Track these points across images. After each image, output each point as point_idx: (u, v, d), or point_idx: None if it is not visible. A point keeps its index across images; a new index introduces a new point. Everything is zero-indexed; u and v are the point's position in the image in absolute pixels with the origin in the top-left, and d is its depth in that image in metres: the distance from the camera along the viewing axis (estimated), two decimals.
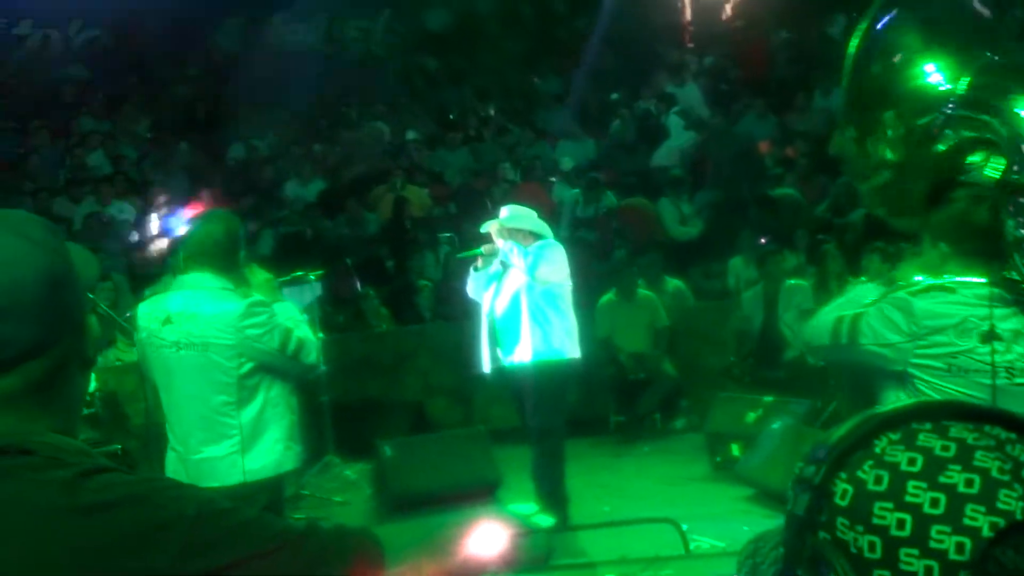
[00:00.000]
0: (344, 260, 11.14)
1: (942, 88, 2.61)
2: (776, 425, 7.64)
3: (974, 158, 2.54)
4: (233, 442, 4.34)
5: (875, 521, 0.94)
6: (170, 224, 11.34)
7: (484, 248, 6.99)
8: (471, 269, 7.15)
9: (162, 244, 11.27)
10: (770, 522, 1.11)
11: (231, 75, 16.69)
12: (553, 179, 13.86)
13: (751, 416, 8.17)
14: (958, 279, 2.70)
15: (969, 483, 0.93)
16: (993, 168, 2.49)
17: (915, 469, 0.95)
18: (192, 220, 4.56)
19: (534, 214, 7.09)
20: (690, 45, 17.65)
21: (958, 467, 0.94)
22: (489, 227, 6.97)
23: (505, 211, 7.09)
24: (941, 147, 2.59)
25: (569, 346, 6.80)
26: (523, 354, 6.75)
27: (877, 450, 0.98)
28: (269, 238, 12.21)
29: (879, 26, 2.73)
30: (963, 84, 2.56)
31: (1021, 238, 2.45)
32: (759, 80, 15.73)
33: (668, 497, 7.56)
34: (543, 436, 6.88)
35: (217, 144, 15.22)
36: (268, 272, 4.77)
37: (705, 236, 12.35)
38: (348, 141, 15.30)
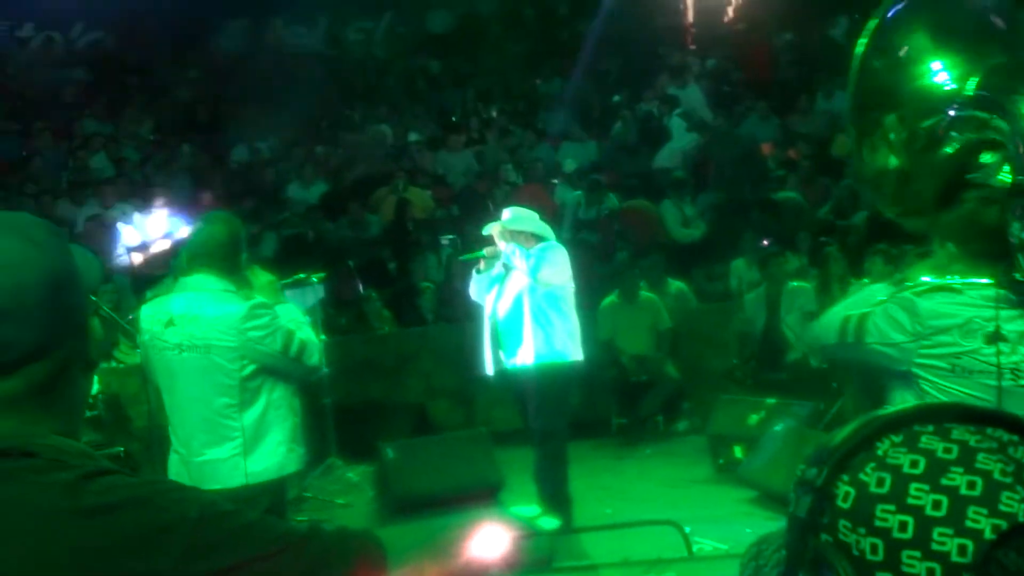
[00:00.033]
0: (346, 262, 11.14)
1: (948, 88, 2.60)
2: (778, 427, 7.64)
3: (986, 158, 2.53)
4: (235, 444, 4.35)
5: (877, 523, 0.94)
6: (173, 226, 11.34)
7: (486, 250, 6.99)
8: (473, 271, 7.15)
9: (163, 246, 11.27)
10: (773, 524, 1.11)
11: (233, 77, 16.68)
12: (555, 181, 13.86)
13: (753, 418, 8.17)
14: (965, 280, 2.69)
15: (971, 485, 0.93)
16: (1006, 172, 2.48)
17: (917, 471, 0.95)
18: (194, 222, 4.55)
19: (536, 216, 7.09)
20: (692, 47, 17.65)
21: (960, 469, 0.94)
22: (491, 229, 6.97)
23: (507, 213, 7.08)
24: (948, 149, 2.58)
25: (571, 348, 6.80)
26: (525, 356, 6.75)
27: (879, 452, 0.98)
28: (272, 240, 12.21)
29: (887, 25, 2.71)
30: (971, 84, 2.54)
31: None
32: (761, 82, 15.73)
33: (670, 499, 7.56)
34: (546, 438, 6.88)
35: (219, 146, 15.23)
36: (270, 274, 4.77)
37: (707, 238, 12.36)
38: (350, 143, 15.31)
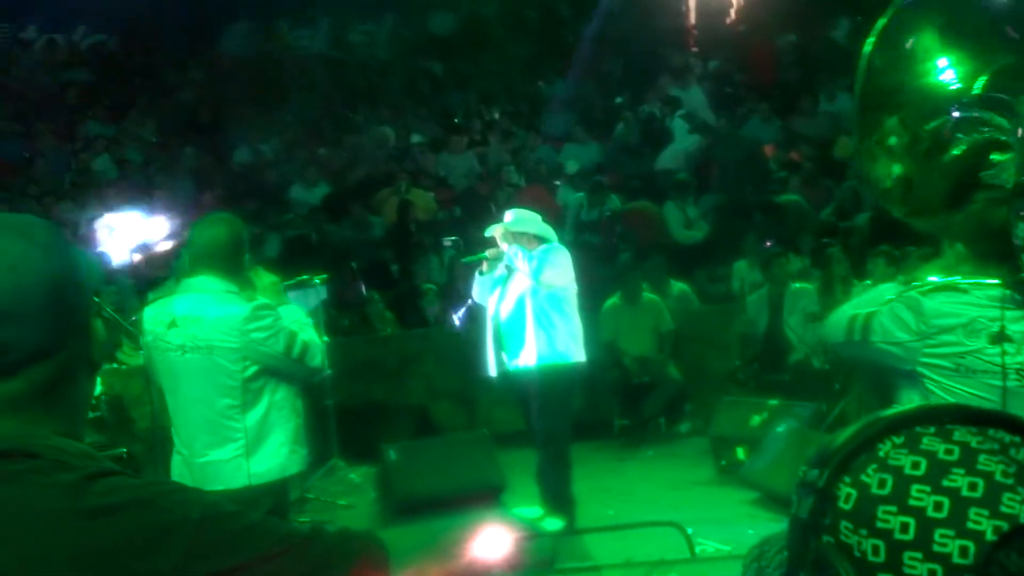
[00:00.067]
0: (349, 264, 11.15)
1: (953, 88, 2.58)
2: (781, 429, 7.63)
3: (996, 158, 2.51)
4: (238, 445, 4.34)
5: (879, 525, 0.94)
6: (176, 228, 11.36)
7: (489, 252, 6.99)
8: (476, 273, 7.15)
9: (167, 247, 11.29)
10: (775, 526, 1.11)
11: (236, 79, 16.72)
12: (557, 183, 13.87)
13: (756, 420, 8.17)
14: (971, 280, 2.69)
15: (973, 487, 0.93)
16: (1013, 172, 2.47)
17: (919, 473, 0.95)
18: (197, 224, 4.54)
19: (538, 218, 7.09)
20: (694, 49, 17.65)
21: (962, 471, 0.94)
22: (493, 231, 6.97)
23: (509, 215, 7.08)
24: (956, 151, 2.57)
25: (574, 350, 6.80)
26: (528, 358, 6.75)
27: (881, 454, 0.98)
28: (276, 241, 12.22)
29: (896, 22, 2.69)
30: (979, 84, 2.53)
31: None
32: (764, 84, 15.73)
33: (673, 501, 7.56)
34: (548, 440, 6.88)
35: (222, 148, 15.25)
36: (273, 275, 4.77)
37: (710, 240, 12.35)
38: (353, 145, 15.32)
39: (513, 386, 7.15)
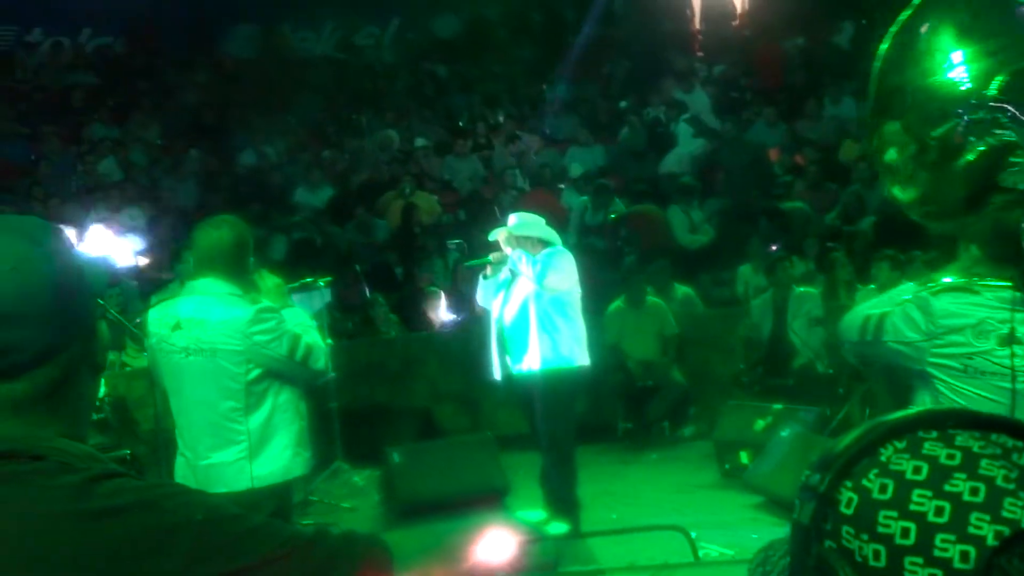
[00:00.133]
0: (353, 266, 11.16)
1: (964, 87, 2.54)
2: (785, 433, 7.63)
3: (1015, 159, 2.47)
4: (241, 448, 4.35)
5: (880, 529, 0.94)
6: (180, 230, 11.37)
7: (493, 256, 6.99)
8: (480, 277, 7.16)
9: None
10: (779, 530, 1.11)
11: (241, 82, 16.74)
12: (562, 186, 13.87)
13: (760, 424, 8.16)
14: (983, 281, 2.68)
15: (974, 491, 0.92)
16: None
17: (920, 477, 0.95)
18: (201, 226, 4.54)
19: (542, 221, 7.09)
20: (699, 53, 17.65)
21: (963, 475, 0.94)
22: (497, 235, 6.98)
23: (513, 218, 7.08)
24: (970, 156, 2.52)
25: (578, 353, 6.80)
26: (532, 362, 6.75)
27: (883, 458, 0.98)
28: (282, 244, 12.23)
29: (915, 14, 2.62)
30: (995, 84, 2.47)
31: None
32: (769, 88, 15.73)
33: (676, 504, 7.55)
34: (553, 444, 6.88)
35: (227, 151, 15.26)
36: (278, 278, 4.77)
37: (714, 243, 12.34)
38: (357, 148, 15.34)
39: (517, 390, 7.15)
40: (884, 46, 2.66)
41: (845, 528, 0.97)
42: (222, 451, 4.36)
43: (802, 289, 9.70)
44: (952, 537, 0.91)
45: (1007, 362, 2.58)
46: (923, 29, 2.59)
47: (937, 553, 0.91)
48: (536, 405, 6.88)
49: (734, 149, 13.55)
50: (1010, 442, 0.97)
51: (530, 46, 18.02)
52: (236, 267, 4.41)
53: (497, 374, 7.04)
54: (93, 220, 12.29)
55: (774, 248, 11.00)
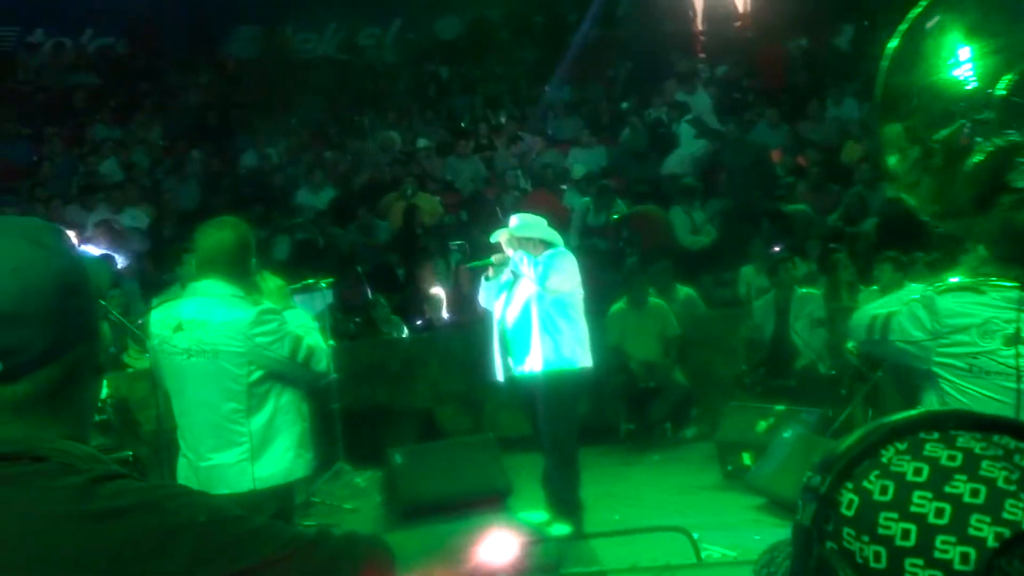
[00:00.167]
0: (355, 267, 11.17)
1: (969, 87, 2.52)
2: (787, 434, 7.62)
3: (1022, 159, 2.45)
4: (243, 449, 4.35)
5: (880, 531, 0.94)
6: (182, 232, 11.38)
7: (494, 258, 6.99)
8: (482, 279, 7.16)
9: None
10: (781, 532, 1.11)
11: (243, 83, 16.77)
12: (564, 187, 13.87)
13: (762, 425, 8.16)
14: (989, 281, 2.67)
15: (975, 493, 0.92)
16: None
17: (921, 479, 0.95)
18: (203, 228, 4.54)
19: (544, 222, 7.09)
20: (702, 55, 17.66)
21: (964, 477, 0.94)
22: (499, 236, 6.97)
23: (514, 220, 7.08)
24: (978, 157, 2.50)
25: (580, 355, 6.80)
26: (534, 363, 6.75)
27: (884, 460, 0.98)
28: (285, 245, 12.23)
29: (926, 14, 2.59)
30: (1003, 84, 2.45)
31: None
32: (771, 89, 15.74)
33: (679, 506, 7.55)
34: (555, 445, 6.89)
35: (229, 152, 15.27)
36: (280, 279, 4.77)
37: (716, 244, 12.35)
38: (359, 149, 15.34)
39: (519, 391, 7.15)
40: (893, 43, 2.63)
41: (846, 529, 0.97)
42: (224, 452, 4.37)
43: (804, 290, 9.70)
44: (952, 539, 0.91)
45: (1012, 362, 2.57)
46: (931, 23, 2.56)
47: (937, 555, 0.91)
48: (538, 406, 6.88)
49: (736, 150, 13.56)
50: (1012, 443, 0.97)
51: (532, 47, 18.03)
52: (238, 268, 4.41)
53: (499, 375, 7.04)
54: (95, 221, 12.32)
55: (776, 249, 11.00)
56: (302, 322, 4.60)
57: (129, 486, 1.38)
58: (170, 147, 15.27)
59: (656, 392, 9.89)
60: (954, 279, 2.75)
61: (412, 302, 11.35)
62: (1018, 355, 2.56)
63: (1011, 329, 2.58)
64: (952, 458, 0.96)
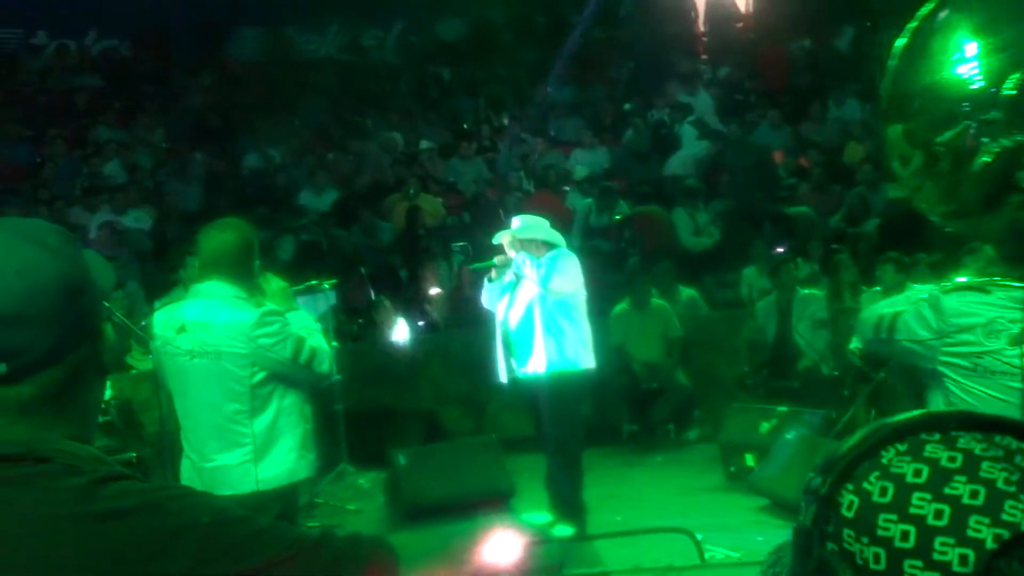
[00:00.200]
0: (358, 269, 11.16)
1: (974, 85, 2.49)
2: (790, 435, 7.62)
3: None
4: (246, 451, 4.35)
5: (879, 533, 0.94)
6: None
7: (497, 259, 6.99)
8: (485, 280, 7.16)
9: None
10: (784, 533, 1.12)
11: (246, 85, 16.74)
12: (566, 188, 13.87)
13: (765, 426, 8.16)
14: (995, 281, 2.67)
15: (974, 494, 0.92)
16: None
17: (920, 480, 0.95)
18: (207, 229, 4.55)
19: (546, 223, 7.09)
20: (704, 56, 17.65)
21: (963, 478, 0.94)
22: (501, 238, 6.98)
23: (517, 222, 7.08)
24: (986, 158, 2.47)
25: (583, 356, 6.80)
26: (537, 365, 6.75)
27: (884, 461, 0.98)
28: (289, 246, 12.22)
29: (936, 10, 2.53)
30: (1011, 83, 2.39)
31: None
32: (773, 90, 15.73)
33: (681, 507, 7.55)
34: (559, 446, 6.89)
35: (232, 153, 15.27)
36: (283, 280, 4.78)
37: (719, 245, 12.35)
38: (362, 150, 15.34)
39: (522, 392, 7.16)
40: (901, 41, 2.58)
41: (846, 531, 0.97)
42: (227, 453, 4.37)
43: (806, 291, 9.70)
44: (951, 540, 0.91)
45: (1017, 361, 2.57)
46: (941, 17, 2.51)
47: (936, 556, 0.91)
48: (542, 408, 6.89)
49: (738, 151, 13.56)
50: (1014, 444, 0.97)
51: (534, 48, 18.02)
52: (241, 270, 4.42)
53: (502, 377, 7.05)
54: (98, 223, 12.33)
55: (778, 250, 11.00)
56: (305, 324, 4.60)
57: (132, 487, 1.38)
58: (173, 149, 15.26)
59: (659, 393, 9.89)
60: (961, 279, 2.75)
61: (415, 303, 11.34)
62: (1023, 354, 2.56)
63: (1016, 329, 2.58)
64: (952, 459, 0.96)
